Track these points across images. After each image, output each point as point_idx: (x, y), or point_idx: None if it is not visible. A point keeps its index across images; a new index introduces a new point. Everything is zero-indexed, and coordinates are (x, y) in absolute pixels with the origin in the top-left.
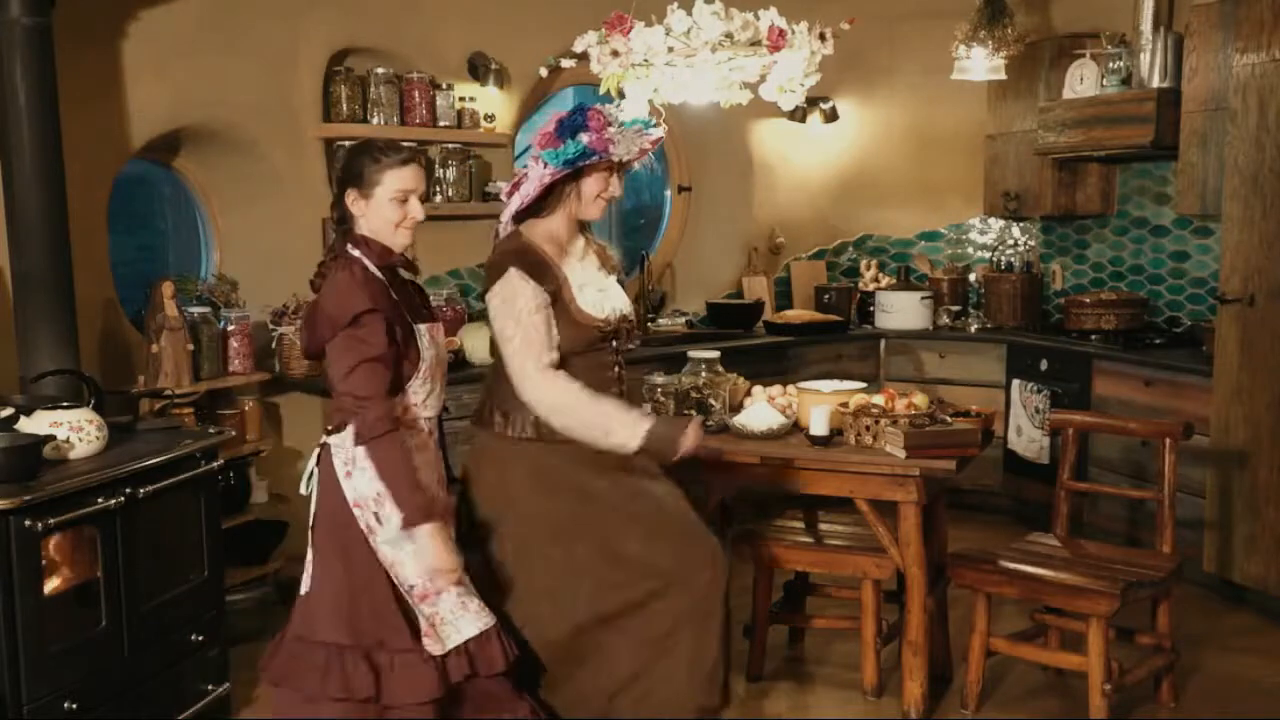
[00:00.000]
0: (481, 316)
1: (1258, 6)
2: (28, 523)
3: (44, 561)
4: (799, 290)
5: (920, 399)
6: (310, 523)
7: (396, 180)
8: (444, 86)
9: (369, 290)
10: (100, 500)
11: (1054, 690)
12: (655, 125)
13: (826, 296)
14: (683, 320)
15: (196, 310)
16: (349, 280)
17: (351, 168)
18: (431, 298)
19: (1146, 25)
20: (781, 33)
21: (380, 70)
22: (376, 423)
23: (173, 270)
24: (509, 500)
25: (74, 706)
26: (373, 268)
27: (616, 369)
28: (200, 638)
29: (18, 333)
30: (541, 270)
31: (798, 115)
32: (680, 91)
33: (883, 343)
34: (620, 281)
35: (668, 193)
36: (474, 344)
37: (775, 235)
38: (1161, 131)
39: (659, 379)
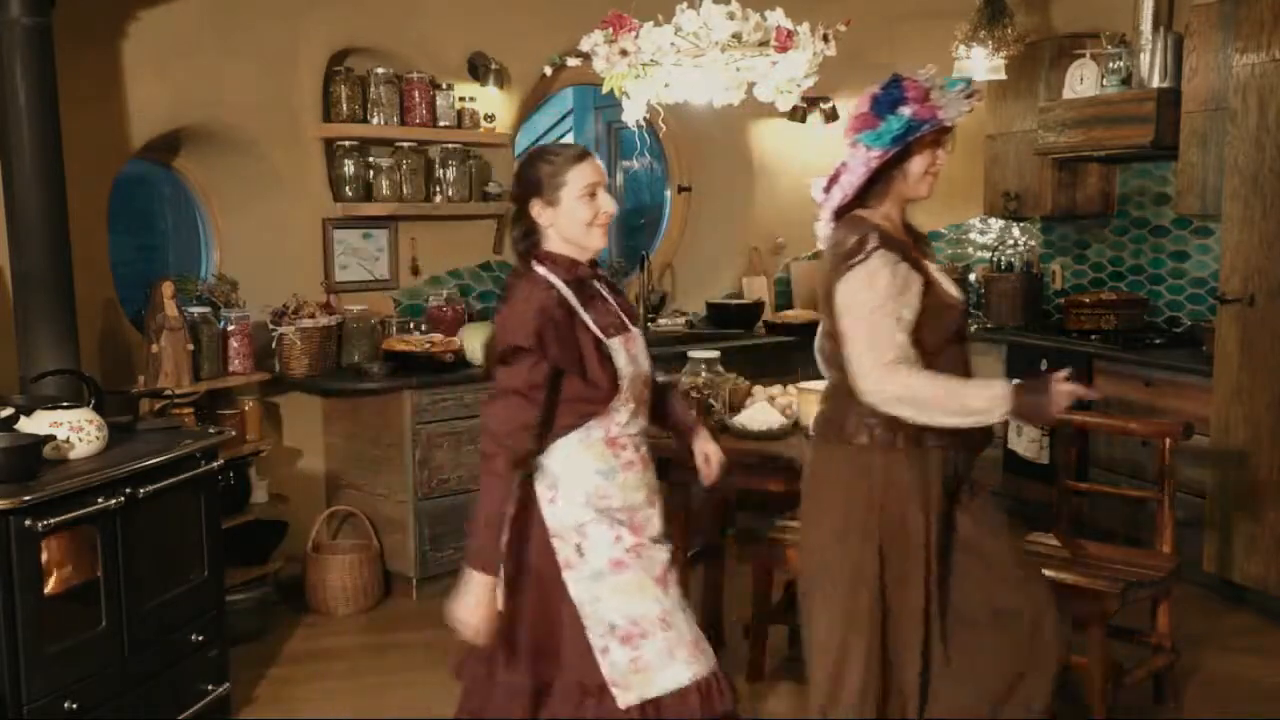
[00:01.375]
0: (482, 316)
1: (1258, 6)
2: (28, 523)
3: (44, 561)
4: (799, 290)
5: None
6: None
7: (580, 176)
8: (444, 86)
9: (539, 321)
10: (100, 500)
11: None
12: (971, 84)
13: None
14: (683, 320)
15: (196, 310)
16: (523, 308)
17: (529, 177)
18: (430, 298)
19: (1146, 25)
20: (790, 34)
21: (380, 70)
22: (493, 456)
23: (173, 270)
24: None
25: (74, 706)
26: (559, 284)
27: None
28: (200, 638)
29: (18, 333)
30: (905, 251)
31: (798, 115)
32: (689, 91)
33: None
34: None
35: (668, 193)
36: (474, 344)
37: (775, 235)
38: (1161, 131)
39: (658, 379)
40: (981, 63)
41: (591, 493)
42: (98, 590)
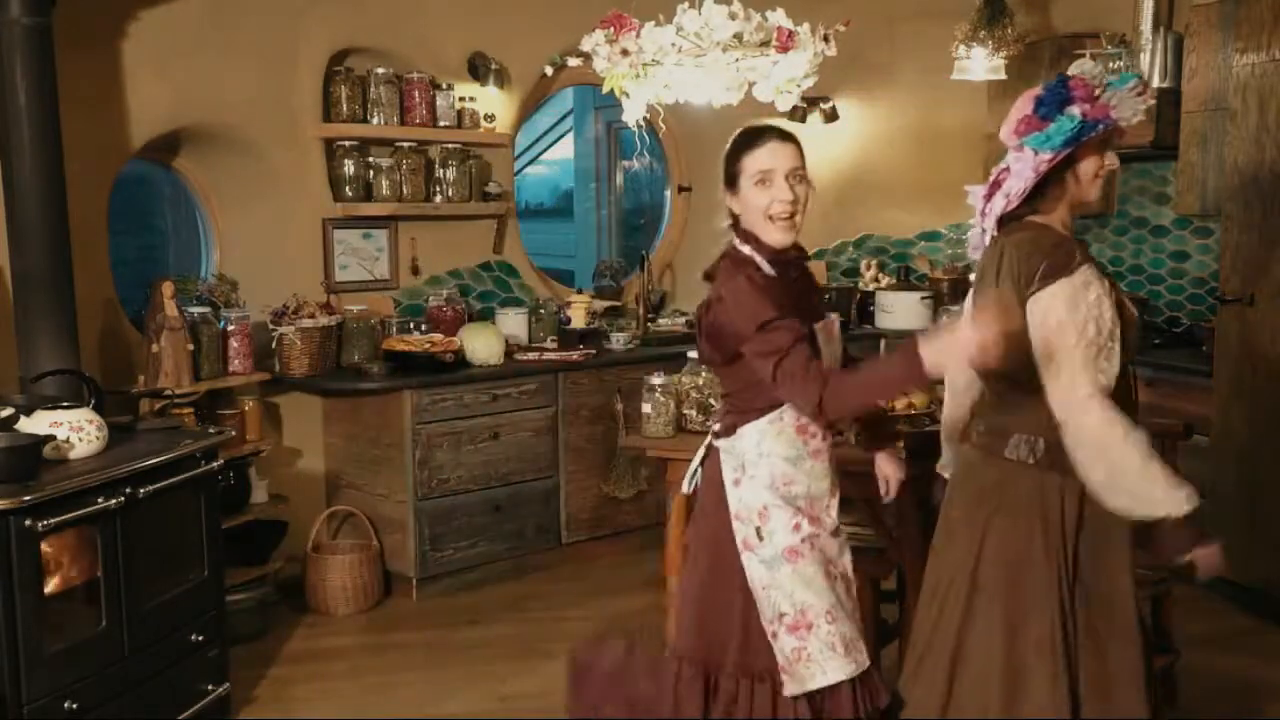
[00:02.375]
0: (482, 317)
1: (1258, 6)
2: (28, 523)
3: (44, 561)
4: None
5: (920, 399)
6: (688, 524)
7: (753, 162)
8: (444, 86)
9: (770, 296)
10: (100, 500)
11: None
12: (1142, 80)
13: (827, 296)
14: (683, 320)
15: (196, 310)
16: (748, 289)
17: (725, 166)
18: (430, 298)
19: (1146, 25)
20: (791, 34)
21: (380, 70)
22: (811, 390)
23: (173, 270)
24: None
25: (74, 706)
26: (765, 265)
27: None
28: (200, 638)
29: (18, 333)
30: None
31: (798, 115)
32: (691, 91)
33: (883, 342)
34: None
35: (668, 193)
36: (474, 344)
37: None
38: (1161, 131)
39: (658, 379)
40: (981, 63)
41: (777, 477)
42: (98, 590)
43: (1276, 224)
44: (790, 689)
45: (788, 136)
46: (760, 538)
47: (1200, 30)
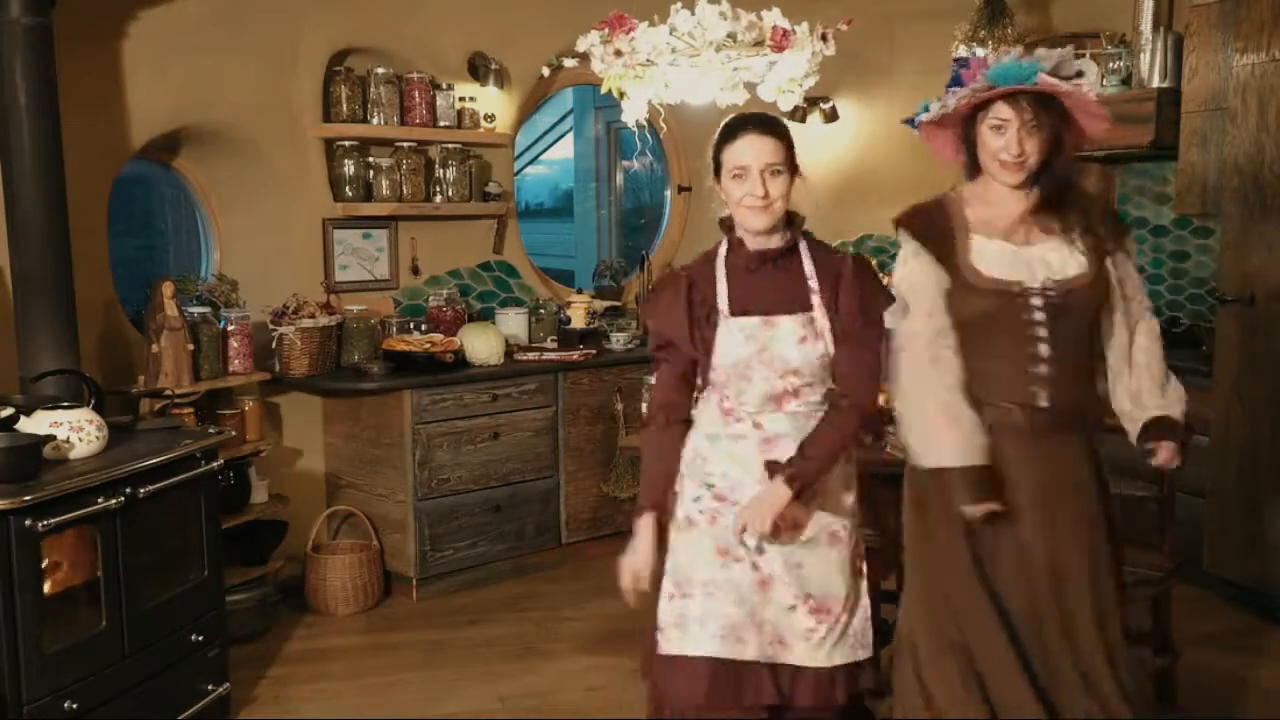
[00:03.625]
0: (482, 317)
1: (1258, 6)
2: (28, 523)
3: (44, 561)
4: None
5: None
6: None
7: (731, 156)
8: (444, 86)
9: (659, 298)
10: (100, 500)
11: None
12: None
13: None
14: None
15: (196, 310)
16: (660, 280)
17: (711, 156)
18: (430, 298)
19: (1146, 25)
20: (786, 33)
21: (380, 70)
22: (646, 415)
23: (173, 270)
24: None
25: (74, 706)
26: (720, 257)
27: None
28: (200, 638)
29: (18, 333)
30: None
31: (798, 115)
32: (686, 91)
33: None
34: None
35: (668, 193)
36: (474, 344)
37: None
38: (1161, 131)
39: None
40: None
41: (697, 450)
42: (98, 590)
43: (1276, 224)
44: (664, 645)
45: (767, 128)
46: (675, 502)
47: (1200, 30)
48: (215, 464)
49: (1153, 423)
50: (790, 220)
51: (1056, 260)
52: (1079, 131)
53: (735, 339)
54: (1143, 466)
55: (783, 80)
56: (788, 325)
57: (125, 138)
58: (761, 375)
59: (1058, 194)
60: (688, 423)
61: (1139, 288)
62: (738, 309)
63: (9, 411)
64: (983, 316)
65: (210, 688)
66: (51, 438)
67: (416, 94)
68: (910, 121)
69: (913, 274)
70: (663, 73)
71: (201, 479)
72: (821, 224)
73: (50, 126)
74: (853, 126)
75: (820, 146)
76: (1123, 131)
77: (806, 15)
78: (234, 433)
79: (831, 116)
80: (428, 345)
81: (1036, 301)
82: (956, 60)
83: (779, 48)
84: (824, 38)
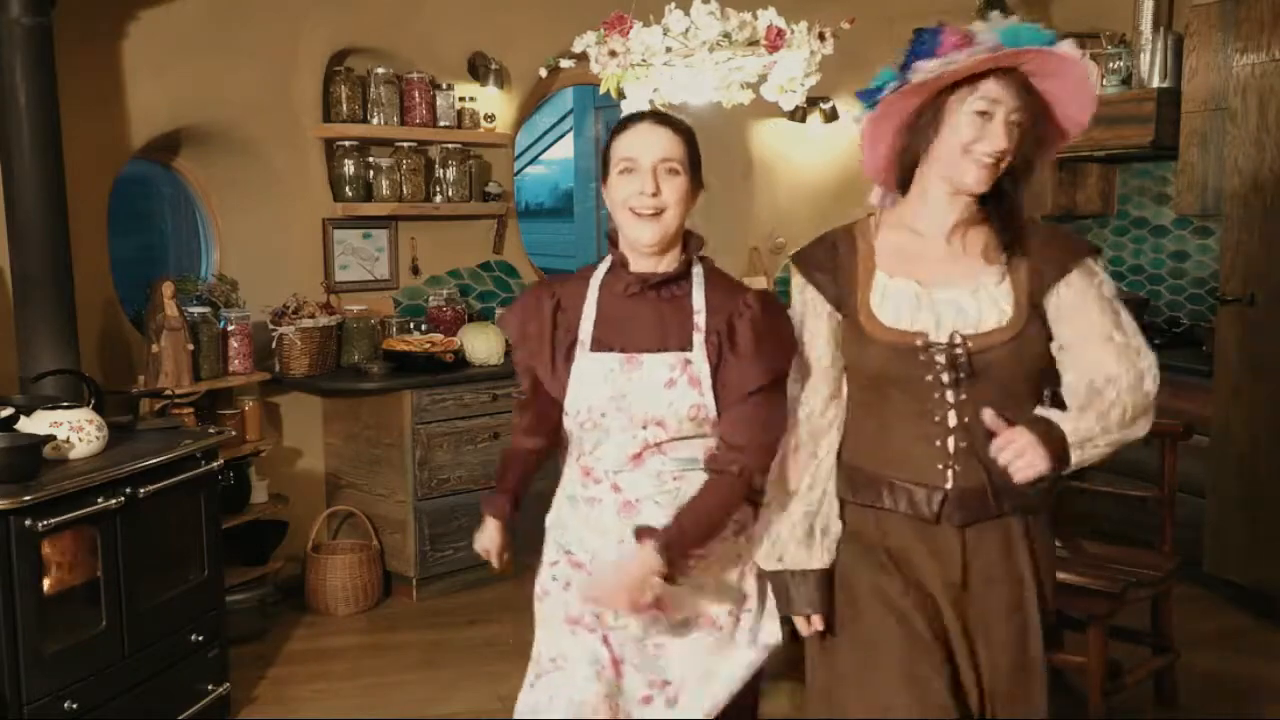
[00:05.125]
0: (482, 317)
1: (1258, 6)
2: (28, 523)
3: (44, 561)
4: None
5: None
6: None
7: (619, 148)
8: (444, 86)
9: (521, 312)
10: (100, 500)
11: (1053, 690)
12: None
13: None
14: None
15: (196, 310)
16: (526, 292)
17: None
18: (430, 298)
19: (1146, 25)
20: (780, 32)
21: (380, 70)
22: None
23: (173, 270)
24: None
25: (74, 706)
26: (596, 277)
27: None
28: (200, 638)
29: (18, 333)
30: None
31: (798, 115)
32: (680, 91)
33: None
34: None
35: None
36: (474, 344)
37: (775, 235)
38: (1161, 131)
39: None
40: None
41: (557, 513)
42: (98, 590)
43: (1276, 224)
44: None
45: (667, 123)
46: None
47: (1200, 30)
48: (215, 464)
49: (1034, 419)
50: (686, 241)
51: (973, 307)
52: (1057, 131)
53: (591, 379)
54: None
55: (783, 80)
56: (653, 365)
57: (125, 138)
58: (619, 425)
59: (1006, 210)
60: (542, 451)
61: (1098, 329)
62: (599, 342)
63: (9, 411)
64: (879, 375)
65: (210, 688)
66: (51, 438)
67: (416, 94)
68: (869, 96)
69: (800, 317)
70: (658, 73)
71: (201, 479)
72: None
73: (50, 126)
74: (853, 126)
75: (820, 146)
76: (1123, 131)
77: (805, 15)
78: (234, 433)
79: (831, 116)
80: (428, 345)
81: (940, 359)
82: (921, 32)
83: (773, 47)
84: (821, 37)
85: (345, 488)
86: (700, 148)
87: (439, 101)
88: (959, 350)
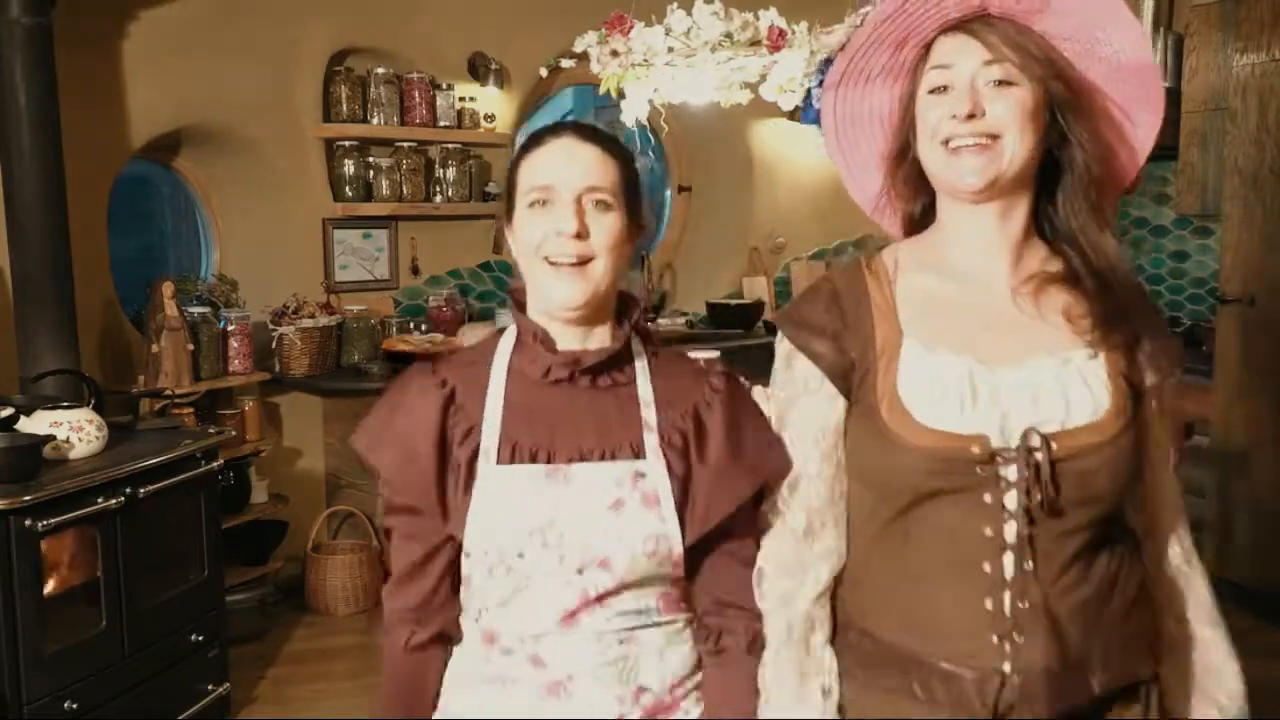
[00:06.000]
0: (482, 317)
1: (1258, 6)
2: (28, 523)
3: (44, 561)
4: (799, 290)
5: None
6: None
7: (529, 174)
8: (444, 86)
9: (397, 423)
10: (100, 500)
11: None
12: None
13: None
14: (683, 320)
15: (196, 310)
16: (405, 376)
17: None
18: (430, 298)
19: (1146, 25)
20: (781, 33)
21: (380, 70)
22: (385, 622)
23: (173, 270)
24: None
25: (74, 706)
26: (498, 360)
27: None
28: (200, 638)
29: (18, 333)
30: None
31: (798, 115)
32: (681, 91)
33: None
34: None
35: (668, 193)
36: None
37: (775, 235)
38: (1161, 131)
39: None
40: None
41: (442, 705)
42: (98, 590)
43: (1276, 224)
44: None
45: (596, 138)
46: None
47: (1200, 30)
48: (215, 464)
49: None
50: (623, 307)
51: (1055, 392)
52: (1110, 151)
53: (502, 503)
54: None
55: (783, 80)
56: (591, 480)
57: (125, 138)
58: (545, 569)
59: (1081, 245)
60: (448, 640)
61: (1170, 489)
62: (512, 450)
63: (9, 411)
64: (907, 498)
65: (210, 688)
66: (51, 438)
67: (416, 94)
68: (806, 114)
69: (784, 402)
70: (659, 73)
71: (201, 479)
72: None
73: (50, 126)
74: None
75: (821, 145)
76: None
77: (806, 15)
78: (234, 433)
79: None
80: (428, 345)
81: (1009, 474)
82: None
83: (775, 47)
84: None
85: (345, 488)
86: (699, 147)
87: (439, 101)
88: (1038, 457)
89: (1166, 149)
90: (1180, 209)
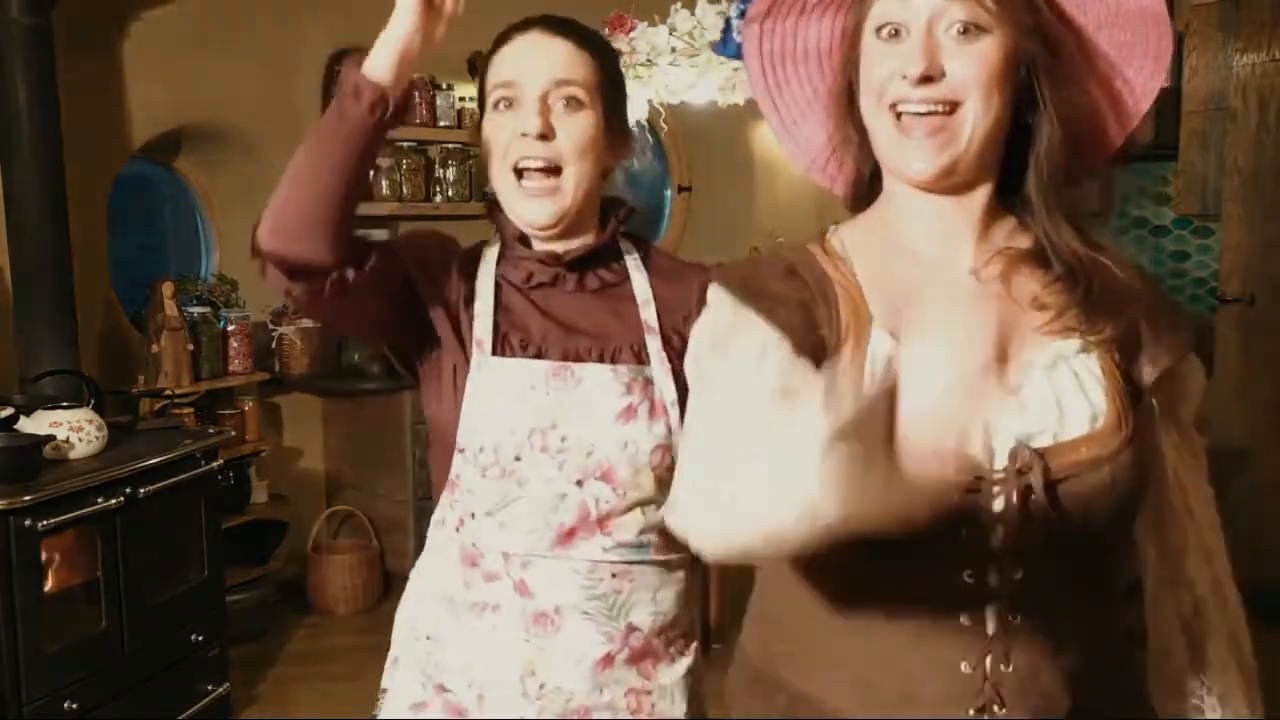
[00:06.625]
0: None
1: (1258, 6)
2: (28, 523)
3: (44, 561)
4: None
5: None
6: None
7: (494, 72)
8: (444, 86)
9: (426, 239)
10: (100, 500)
11: None
12: None
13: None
14: None
15: (196, 310)
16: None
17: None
18: None
19: None
20: None
21: None
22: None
23: (173, 270)
24: None
25: (74, 706)
26: (485, 267)
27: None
28: (200, 638)
29: (18, 333)
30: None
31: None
32: (684, 91)
33: None
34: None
35: (668, 193)
36: None
37: (775, 235)
38: (1161, 131)
39: None
40: None
41: (415, 622)
42: (98, 590)
43: (1276, 224)
44: None
45: (568, 31)
46: (379, 698)
47: (1200, 30)
48: (215, 464)
49: None
50: (608, 210)
51: (1046, 396)
52: (1099, 110)
53: (500, 397)
54: None
55: None
56: (604, 384)
57: (125, 138)
58: (543, 475)
59: (1048, 207)
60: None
61: (1196, 475)
62: (507, 342)
63: (9, 411)
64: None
65: (210, 688)
66: (51, 438)
67: (416, 94)
68: (724, 46)
69: (737, 370)
70: (662, 73)
71: (201, 479)
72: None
73: (50, 126)
74: None
75: (741, 84)
76: None
77: None
78: (234, 433)
79: None
80: None
81: (994, 505)
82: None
83: None
84: None
85: (345, 488)
86: (699, 147)
87: (439, 101)
88: (1031, 480)
89: (1166, 149)
90: (1180, 209)
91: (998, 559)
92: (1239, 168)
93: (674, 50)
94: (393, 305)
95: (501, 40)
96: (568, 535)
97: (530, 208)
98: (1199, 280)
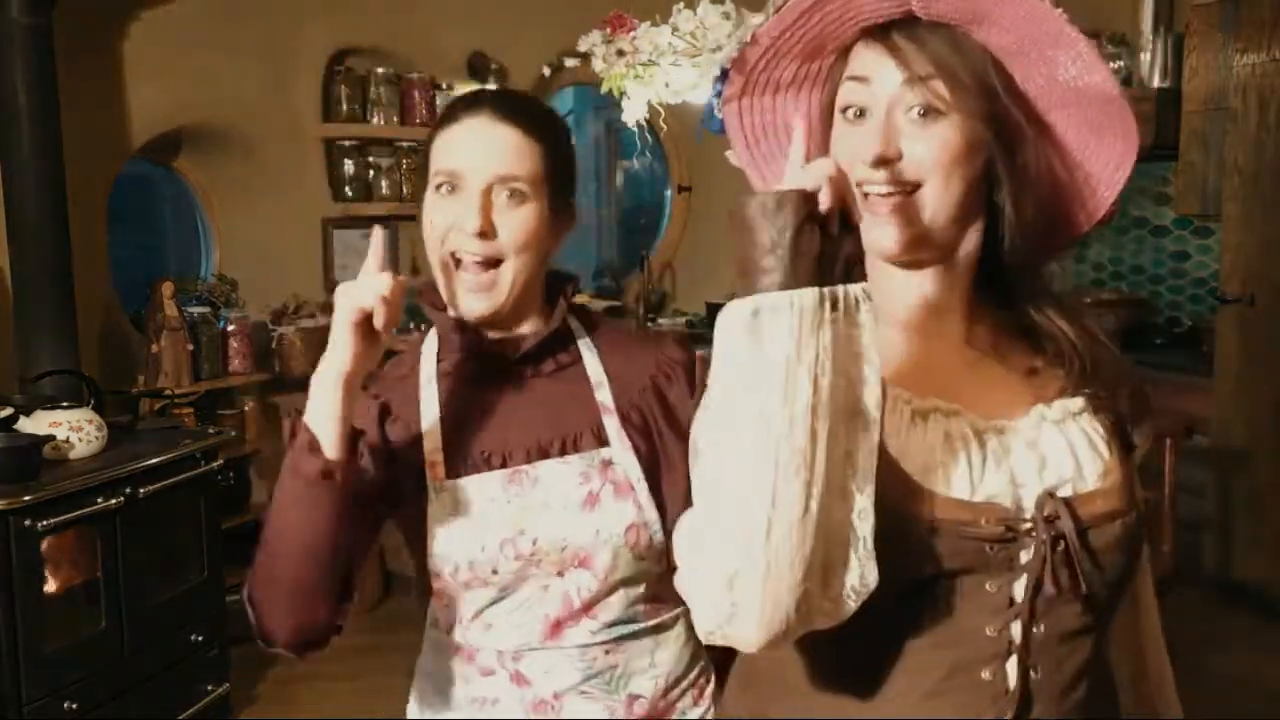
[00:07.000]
0: None
1: (1258, 6)
2: (27, 523)
3: (44, 561)
4: None
5: None
6: None
7: (437, 155)
8: (444, 86)
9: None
10: (100, 500)
11: None
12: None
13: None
14: (683, 320)
15: (196, 310)
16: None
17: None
18: None
19: (1146, 25)
20: None
21: (380, 70)
22: None
23: (173, 270)
24: None
25: (74, 706)
26: (425, 363)
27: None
28: (200, 638)
29: (18, 332)
30: None
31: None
32: (686, 91)
33: None
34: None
35: (668, 193)
36: None
37: None
38: (1161, 131)
39: None
40: None
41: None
42: (98, 590)
43: (1276, 224)
44: None
45: (516, 116)
46: None
47: (1200, 30)
48: (215, 464)
49: None
50: (553, 289)
51: (1061, 448)
52: (1067, 189)
53: (463, 519)
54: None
55: None
56: (562, 478)
57: (125, 138)
58: (521, 578)
59: (1023, 281)
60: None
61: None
62: (463, 461)
63: (9, 411)
64: (891, 586)
65: (210, 688)
66: (51, 438)
67: (416, 94)
68: (710, 123)
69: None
70: (664, 73)
71: (201, 479)
72: None
73: (50, 126)
74: None
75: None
76: None
77: None
78: (234, 433)
79: None
80: None
81: (1024, 555)
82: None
83: None
84: None
85: None
86: (699, 147)
87: (439, 101)
88: (1063, 527)
89: (1166, 149)
90: (1180, 209)
91: (1020, 612)
92: (1239, 168)
93: (675, 50)
94: (376, 520)
95: (449, 118)
96: (555, 627)
97: (468, 300)
98: (1199, 280)
